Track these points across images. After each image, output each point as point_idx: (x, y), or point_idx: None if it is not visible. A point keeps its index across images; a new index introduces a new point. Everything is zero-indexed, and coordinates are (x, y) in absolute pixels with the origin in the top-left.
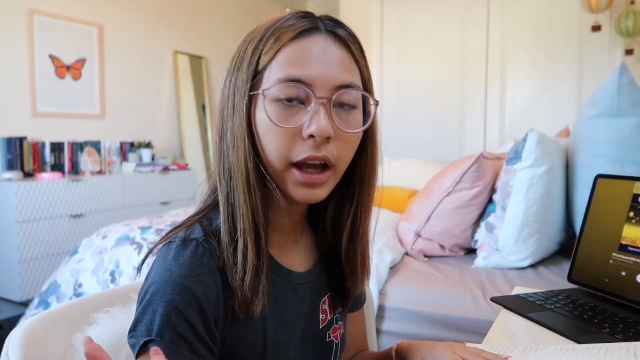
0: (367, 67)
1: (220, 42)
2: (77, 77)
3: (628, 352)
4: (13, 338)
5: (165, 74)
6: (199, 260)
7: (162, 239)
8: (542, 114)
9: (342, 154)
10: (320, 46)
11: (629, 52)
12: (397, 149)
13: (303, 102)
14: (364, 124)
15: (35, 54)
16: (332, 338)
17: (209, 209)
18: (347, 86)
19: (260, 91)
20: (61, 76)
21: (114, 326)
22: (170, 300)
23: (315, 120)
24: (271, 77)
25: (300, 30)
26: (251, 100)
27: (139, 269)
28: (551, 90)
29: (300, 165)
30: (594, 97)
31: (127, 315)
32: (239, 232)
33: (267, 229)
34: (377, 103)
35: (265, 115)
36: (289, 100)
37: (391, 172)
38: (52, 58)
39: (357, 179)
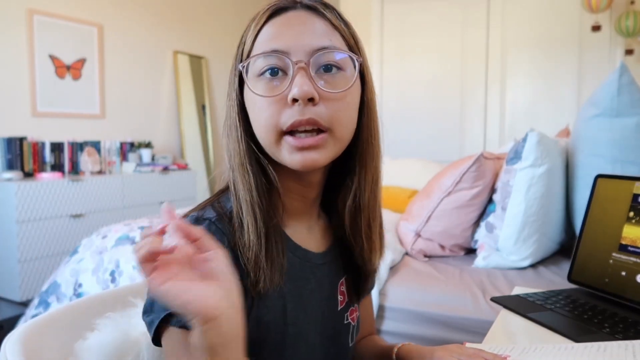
0: (351, 34)
1: (220, 42)
2: (77, 77)
3: (627, 351)
4: (10, 343)
5: (165, 74)
6: (213, 238)
7: None
8: (542, 114)
9: (334, 115)
10: (295, 19)
11: (629, 52)
12: (397, 149)
13: (286, 72)
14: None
15: (35, 54)
16: (349, 320)
17: (220, 193)
18: (324, 48)
19: (241, 67)
20: (61, 76)
21: (115, 331)
22: None
23: (295, 83)
24: (253, 60)
25: (275, 8)
26: (242, 88)
27: None
28: (551, 90)
29: (293, 133)
30: (594, 97)
31: (128, 319)
32: (242, 213)
33: (272, 208)
34: (360, 61)
35: (252, 93)
36: (272, 73)
37: (391, 172)
38: (52, 58)
39: (357, 152)
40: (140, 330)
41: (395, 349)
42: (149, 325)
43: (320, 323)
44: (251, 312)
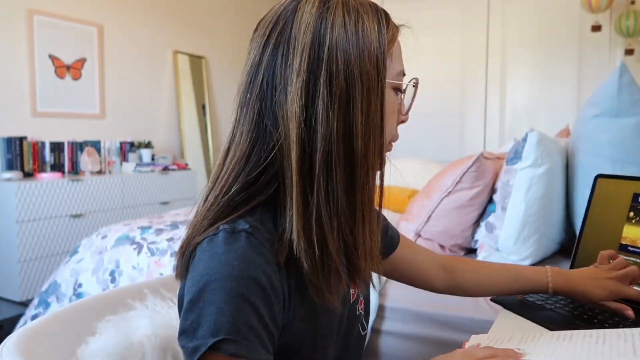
0: None
1: (220, 42)
2: (77, 77)
3: (626, 342)
4: (6, 349)
5: (165, 74)
6: (255, 250)
7: (193, 233)
8: (542, 114)
9: None
10: (399, 43)
11: (629, 52)
12: (397, 149)
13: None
14: None
15: (35, 54)
16: (360, 311)
17: (250, 209)
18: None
19: (392, 81)
20: (61, 76)
21: (117, 335)
22: (240, 295)
23: (409, 109)
24: (392, 68)
25: (399, 25)
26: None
27: (178, 268)
28: (551, 90)
29: None
30: (594, 97)
31: (128, 322)
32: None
33: None
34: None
35: (387, 102)
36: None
37: (391, 172)
38: (52, 58)
39: None
40: (142, 332)
41: (549, 273)
42: (192, 350)
43: (339, 319)
44: (286, 321)
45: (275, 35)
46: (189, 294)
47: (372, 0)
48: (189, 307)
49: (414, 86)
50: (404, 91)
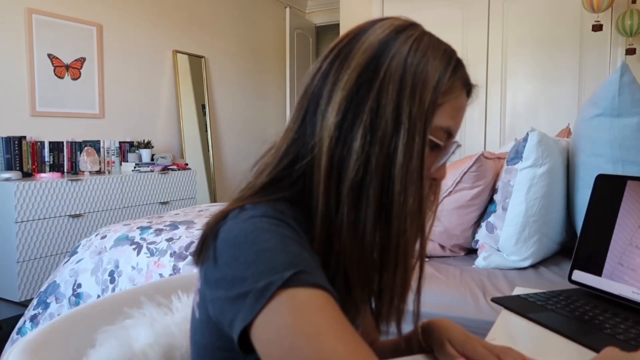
0: None
1: (220, 42)
2: (76, 76)
3: None
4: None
5: (165, 73)
6: (285, 219)
7: (218, 214)
8: (542, 114)
9: None
10: (464, 108)
11: (630, 51)
12: None
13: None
14: None
15: (34, 54)
16: None
17: (273, 200)
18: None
19: (430, 137)
20: (60, 76)
21: (118, 345)
22: (287, 236)
23: (443, 169)
24: (436, 119)
25: (470, 87)
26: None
27: (199, 250)
28: (551, 90)
29: None
30: (595, 97)
31: (126, 331)
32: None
33: None
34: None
35: (422, 146)
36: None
37: None
38: (51, 57)
39: None
40: (142, 342)
41: (420, 324)
42: (260, 290)
43: None
44: None
45: (339, 47)
46: (223, 254)
47: (452, 47)
48: (228, 262)
49: (445, 133)
50: (442, 151)
